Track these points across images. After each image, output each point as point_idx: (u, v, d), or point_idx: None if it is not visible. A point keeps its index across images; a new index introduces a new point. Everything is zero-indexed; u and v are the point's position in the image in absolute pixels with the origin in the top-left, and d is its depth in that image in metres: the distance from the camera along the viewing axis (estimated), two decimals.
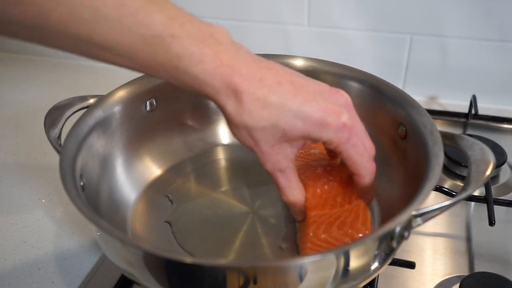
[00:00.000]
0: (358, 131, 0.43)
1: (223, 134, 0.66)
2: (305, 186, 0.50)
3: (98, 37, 0.37)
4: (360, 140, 0.43)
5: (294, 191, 0.46)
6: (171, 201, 0.57)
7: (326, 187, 0.50)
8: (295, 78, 0.42)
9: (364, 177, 0.45)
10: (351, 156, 0.43)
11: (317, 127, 0.40)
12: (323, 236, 0.47)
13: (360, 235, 0.47)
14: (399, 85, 0.81)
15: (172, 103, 0.61)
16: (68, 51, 0.39)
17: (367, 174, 0.45)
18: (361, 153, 0.43)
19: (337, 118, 0.41)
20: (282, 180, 0.45)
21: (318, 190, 0.49)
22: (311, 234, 0.47)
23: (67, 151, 0.47)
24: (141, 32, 0.37)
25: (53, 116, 0.53)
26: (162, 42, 0.38)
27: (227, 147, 0.66)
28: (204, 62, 0.38)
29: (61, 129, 0.53)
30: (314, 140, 0.42)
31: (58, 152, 0.48)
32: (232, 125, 0.42)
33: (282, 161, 0.43)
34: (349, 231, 0.47)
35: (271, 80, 0.40)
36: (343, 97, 0.43)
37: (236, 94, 0.40)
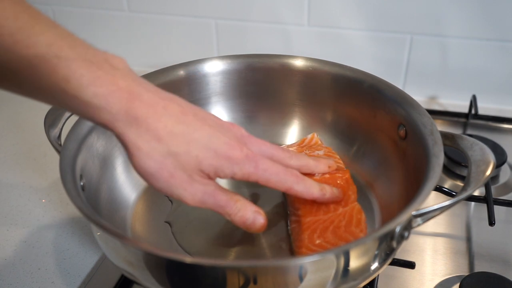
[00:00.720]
0: (260, 157, 0.42)
1: None
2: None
3: None
4: (267, 162, 0.43)
5: (247, 206, 0.43)
6: (171, 201, 0.57)
7: None
8: (197, 110, 0.41)
9: (292, 188, 0.44)
10: (269, 180, 0.43)
11: (225, 161, 0.40)
12: (317, 241, 0.47)
13: (355, 237, 0.47)
14: (399, 85, 0.81)
15: None
16: None
17: (293, 183, 0.44)
18: (276, 172, 0.43)
19: (240, 151, 0.41)
20: (220, 198, 0.42)
21: None
22: (306, 240, 0.47)
23: (67, 151, 0.46)
24: (22, 52, 0.34)
25: (53, 116, 0.53)
26: (46, 63, 0.34)
27: None
28: (97, 85, 0.35)
29: (61, 129, 0.53)
30: (222, 176, 0.41)
31: (58, 152, 0.48)
32: (138, 156, 0.38)
33: (204, 187, 0.41)
34: (344, 234, 0.48)
35: (175, 110, 0.39)
36: (239, 130, 0.43)
37: (138, 121, 0.37)
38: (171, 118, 0.38)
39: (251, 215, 0.43)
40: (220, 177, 0.42)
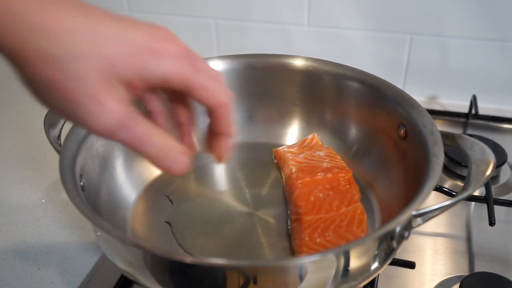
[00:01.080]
0: (198, 55, 0.34)
1: None
2: (300, 194, 0.50)
3: None
4: (205, 63, 0.34)
5: (158, 136, 0.34)
6: (171, 201, 0.57)
7: (320, 194, 0.51)
8: (103, 10, 0.32)
9: (227, 105, 0.35)
10: (206, 86, 0.33)
11: (150, 56, 0.31)
12: (318, 240, 0.47)
13: (356, 237, 0.47)
14: (399, 85, 0.81)
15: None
16: None
17: (228, 100, 0.36)
18: (214, 78, 0.34)
19: (170, 44, 0.32)
20: (136, 130, 0.32)
21: (312, 198, 0.50)
22: (306, 238, 0.47)
23: (67, 151, 0.46)
24: None
25: (53, 116, 0.53)
26: None
27: None
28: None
29: (61, 129, 0.53)
30: (151, 80, 0.32)
31: (58, 152, 0.48)
32: (27, 66, 0.29)
33: (121, 107, 0.31)
34: (345, 234, 0.48)
35: (70, 4, 0.29)
36: (164, 29, 0.33)
37: (17, 19, 0.28)
38: (67, 13, 0.29)
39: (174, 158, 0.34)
40: (148, 81, 0.32)
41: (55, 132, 0.52)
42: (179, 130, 0.39)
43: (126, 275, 0.44)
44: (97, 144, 0.52)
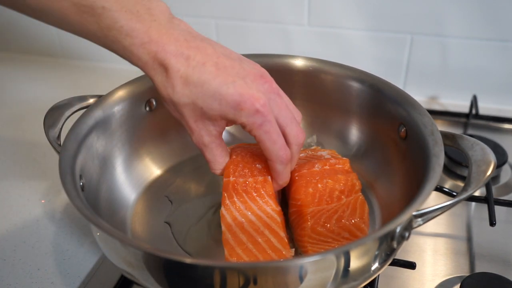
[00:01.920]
0: (272, 119, 0.44)
1: (223, 134, 0.66)
2: (298, 186, 0.51)
3: (32, 1, 0.40)
4: (274, 128, 0.44)
5: (220, 165, 0.49)
6: (171, 201, 0.57)
7: (319, 185, 0.51)
8: (222, 59, 0.43)
9: (275, 162, 0.46)
10: (264, 142, 0.44)
11: (232, 109, 0.42)
12: (320, 229, 0.48)
13: (357, 228, 0.48)
14: (400, 85, 0.81)
15: None
16: (5, 6, 0.42)
17: (278, 161, 0.46)
18: (274, 140, 0.44)
19: (251, 104, 0.42)
20: (207, 154, 0.47)
21: (311, 189, 0.50)
22: (308, 228, 0.48)
23: (67, 151, 0.46)
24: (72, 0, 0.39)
25: (53, 116, 0.53)
26: (93, 12, 0.40)
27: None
28: (132, 37, 0.41)
29: (61, 129, 0.52)
30: (231, 121, 0.44)
31: (58, 152, 0.48)
32: (161, 97, 0.44)
33: (205, 137, 0.45)
34: (346, 224, 0.48)
35: (196, 60, 0.42)
36: (266, 83, 0.44)
37: (164, 69, 0.42)
38: (189, 69, 0.42)
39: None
40: (229, 123, 0.45)
41: (54, 132, 0.52)
42: None
43: (125, 275, 0.44)
44: (97, 144, 0.52)
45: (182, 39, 0.42)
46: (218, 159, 0.48)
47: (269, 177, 0.50)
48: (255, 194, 0.49)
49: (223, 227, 0.48)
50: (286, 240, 0.47)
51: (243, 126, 0.44)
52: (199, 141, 0.46)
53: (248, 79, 0.43)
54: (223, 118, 0.43)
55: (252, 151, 0.52)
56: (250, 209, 0.48)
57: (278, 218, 0.48)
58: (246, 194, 0.49)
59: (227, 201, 0.48)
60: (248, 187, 0.49)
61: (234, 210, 0.48)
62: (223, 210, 0.48)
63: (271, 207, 0.48)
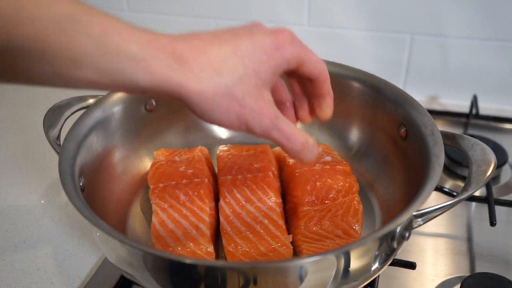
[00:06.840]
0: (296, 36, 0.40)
1: (222, 134, 0.66)
2: (296, 184, 0.51)
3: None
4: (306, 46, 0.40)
5: (303, 136, 0.40)
6: None
7: (318, 183, 0.51)
8: (225, 30, 0.38)
9: (326, 71, 0.41)
10: (312, 59, 0.40)
11: (276, 50, 0.37)
12: (314, 228, 0.48)
13: (350, 226, 0.48)
14: (400, 85, 0.81)
15: (171, 103, 0.61)
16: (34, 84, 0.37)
17: (325, 67, 0.41)
18: (312, 51, 0.40)
19: (283, 32, 0.38)
20: (285, 126, 0.38)
21: (308, 187, 0.50)
22: (302, 227, 0.48)
23: (67, 151, 0.46)
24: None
25: (52, 116, 0.53)
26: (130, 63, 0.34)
27: None
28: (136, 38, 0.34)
29: (60, 129, 0.52)
30: (284, 65, 0.38)
31: (57, 152, 0.48)
32: (204, 101, 0.36)
33: (273, 109, 0.38)
34: (340, 223, 0.48)
35: (207, 37, 0.36)
36: (284, 31, 0.39)
37: (185, 61, 0.35)
38: (210, 46, 0.36)
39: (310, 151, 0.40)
40: (279, 73, 0.39)
41: (54, 132, 0.52)
42: (296, 102, 0.45)
43: (125, 275, 0.43)
44: (96, 144, 0.52)
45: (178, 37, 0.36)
46: (296, 130, 0.39)
47: (270, 173, 0.51)
48: (255, 187, 0.49)
49: (221, 219, 0.48)
50: (284, 227, 0.47)
51: (292, 63, 0.38)
52: (271, 118, 0.37)
53: (255, 29, 0.39)
54: (273, 70, 0.37)
55: (241, 153, 0.53)
56: (249, 201, 0.49)
57: (277, 208, 0.49)
58: (247, 187, 0.50)
59: (226, 194, 0.49)
60: (248, 181, 0.50)
61: (233, 203, 0.49)
62: (221, 203, 0.49)
63: (271, 198, 0.49)
